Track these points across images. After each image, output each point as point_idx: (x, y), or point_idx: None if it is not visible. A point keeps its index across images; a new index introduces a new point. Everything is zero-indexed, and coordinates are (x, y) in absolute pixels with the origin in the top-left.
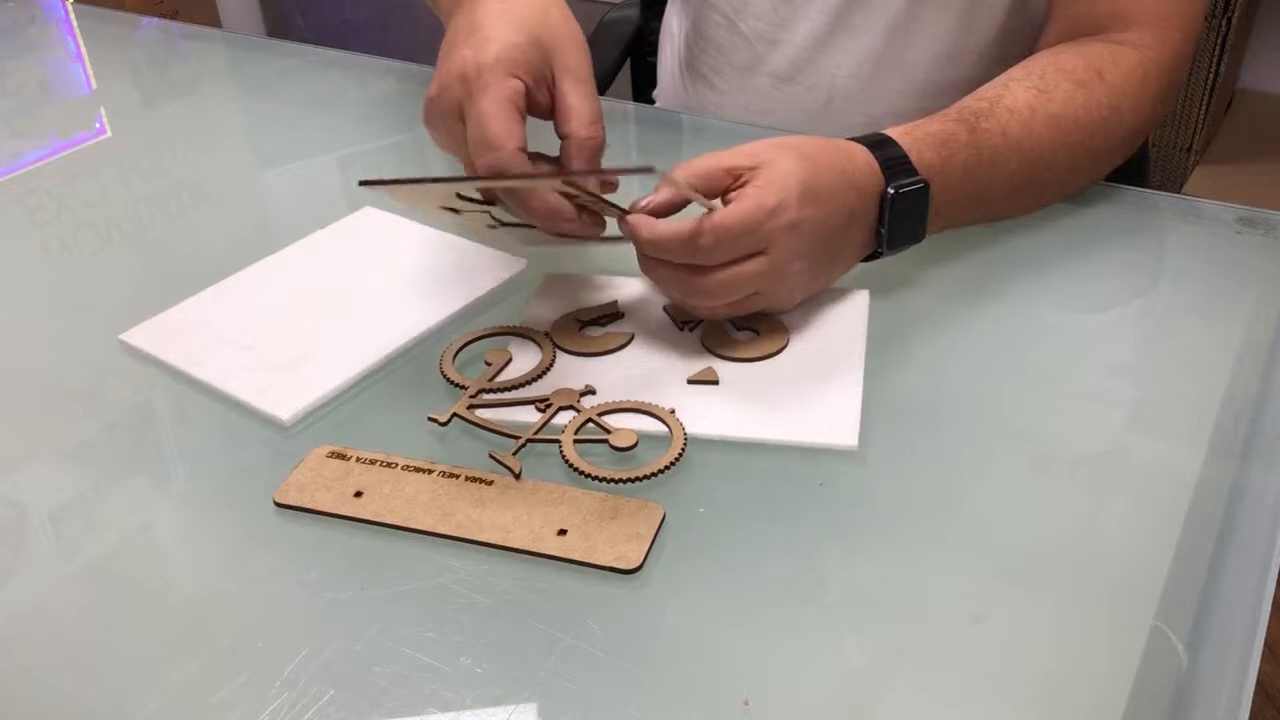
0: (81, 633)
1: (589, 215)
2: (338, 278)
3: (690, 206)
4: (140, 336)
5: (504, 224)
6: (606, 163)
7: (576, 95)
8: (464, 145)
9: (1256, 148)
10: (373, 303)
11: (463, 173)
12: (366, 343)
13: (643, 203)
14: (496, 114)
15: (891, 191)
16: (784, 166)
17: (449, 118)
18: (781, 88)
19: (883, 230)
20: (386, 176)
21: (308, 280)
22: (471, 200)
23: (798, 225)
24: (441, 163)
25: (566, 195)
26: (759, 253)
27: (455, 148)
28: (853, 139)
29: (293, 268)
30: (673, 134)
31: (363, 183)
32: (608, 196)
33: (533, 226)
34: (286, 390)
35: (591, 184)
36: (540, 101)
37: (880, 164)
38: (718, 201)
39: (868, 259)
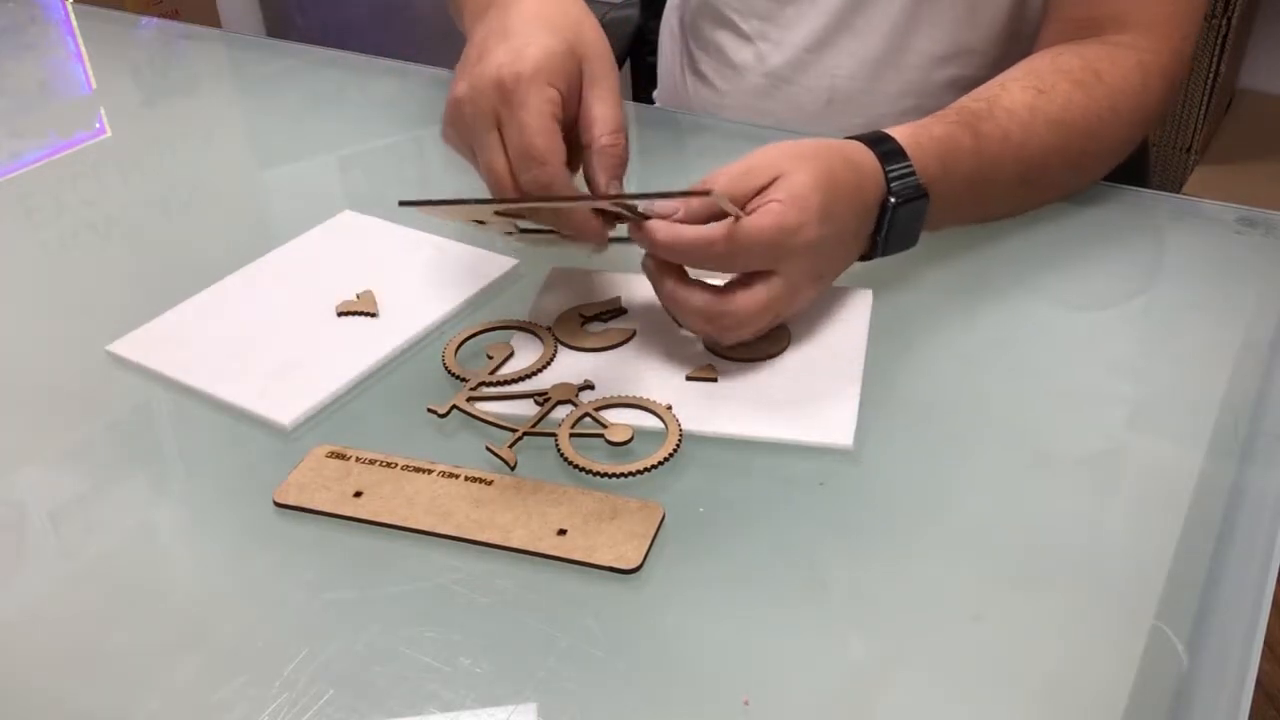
0: (81, 633)
1: (607, 218)
2: (322, 282)
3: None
4: (127, 347)
5: (523, 231)
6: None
7: (603, 104)
8: (488, 151)
9: (1256, 148)
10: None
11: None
12: (362, 346)
13: (669, 209)
14: (541, 129)
15: (893, 202)
16: (804, 182)
17: (480, 123)
18: (781, 88)
19: (879, 238)
20: (426, 198)
21: (292, 285)
22: (501, 215)
23: (815, 245)
24: (441, 160)
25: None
26: (772, 272)
27: (478, 152)
28: (859, 138)
29: (274, 274)
30: (673, 133)
31: (403, 203)
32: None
33: (553, 231)
34: (284, 395)
35: (642, 205)
36: (570, 111)
37: (885, 173)
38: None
39: (859, 259)
